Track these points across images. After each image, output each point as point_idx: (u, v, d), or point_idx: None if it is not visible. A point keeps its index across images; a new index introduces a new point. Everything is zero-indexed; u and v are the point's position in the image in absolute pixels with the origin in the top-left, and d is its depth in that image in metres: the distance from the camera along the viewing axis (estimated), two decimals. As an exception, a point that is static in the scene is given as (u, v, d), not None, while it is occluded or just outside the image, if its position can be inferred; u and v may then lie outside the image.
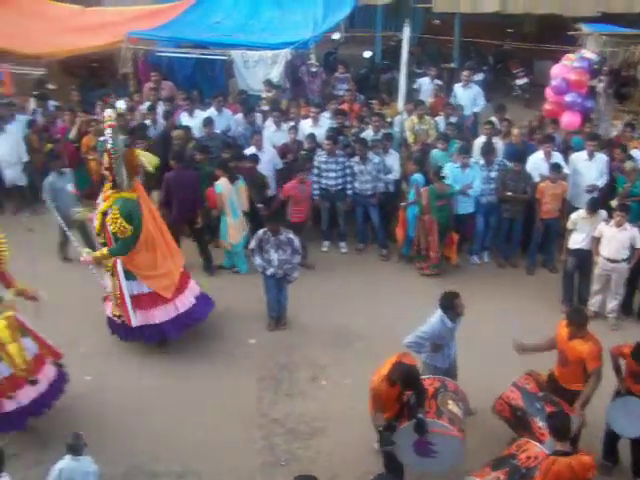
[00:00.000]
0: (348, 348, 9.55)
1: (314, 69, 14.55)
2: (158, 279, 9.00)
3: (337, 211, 11.78)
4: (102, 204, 8.82)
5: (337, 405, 8.49)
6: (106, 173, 8.71)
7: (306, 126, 12.38)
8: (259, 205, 11.14)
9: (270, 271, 9.57)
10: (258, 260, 9.59)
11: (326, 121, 12.48)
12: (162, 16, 16.11)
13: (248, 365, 9.25)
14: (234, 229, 11.03)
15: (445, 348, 7.65)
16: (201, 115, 12.87)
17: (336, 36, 16.90)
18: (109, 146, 8.43)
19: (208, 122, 12.23)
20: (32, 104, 14.43)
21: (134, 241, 8.69)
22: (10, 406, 7.55)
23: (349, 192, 11.56)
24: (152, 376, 8.99)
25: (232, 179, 10.83)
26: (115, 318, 9.13)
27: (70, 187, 11.24)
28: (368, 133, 12.05)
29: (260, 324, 10.02)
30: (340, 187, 11.50)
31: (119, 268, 8.79)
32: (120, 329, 9.20)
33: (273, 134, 12.34)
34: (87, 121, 13.02)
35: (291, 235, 9.55)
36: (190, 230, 11.34)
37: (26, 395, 7.60)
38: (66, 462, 6.50)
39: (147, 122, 12.80)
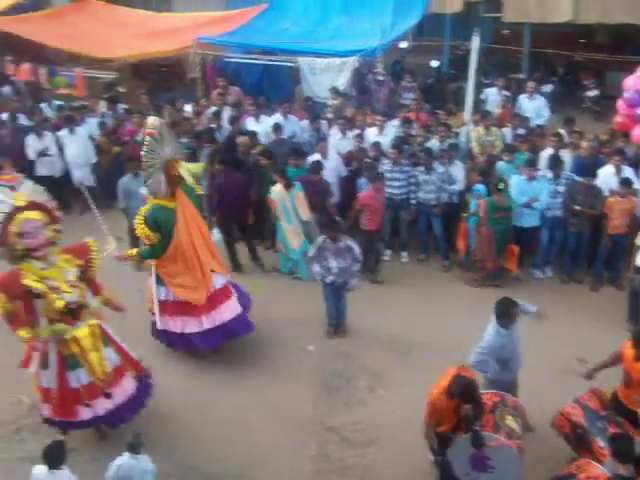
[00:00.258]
0: (407, 358, 9.48)
1: (381, 77, 14.49)
2: (185, 290, 8.88)
3: (400, 220, 11.72)
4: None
5: (394, 415, 8.42)
6: None
7: (371, 134, 12.36)
8: (337, 218, 10.98)
9: (329, 279, 9.56)
10: (316, 267, 9.59)
11: (392, 130, 12.43)
12: (231, 22, 16.33)
13: (306, 372, 9.26)
14: (291, 234, 11.09)
15: (510, 361, 7.53)
16: (267, 120, 12.99)
17: (404, 44, 16.85)
18: (142, 153, 8.38)
19: (277, 128, 12.35)
20: (102, 107, 14.78)
21: (162, 248, 8.66)
22: (86, 414, 7.59)
23: (413, 202, 11.49)
24: (209, 378, 9.09)
25: (288, 186, 10.87)
26: (152, 316, 9.22)
27: (144, 189, 11.30)
28: (433, 143, 11.96)
29: (319, 331, 10.03)
30: (404, 196, 11.44)
31: (152, 270, 8.95)
32: (152, 327, 9.33)
33: (338, 142, 12.36)
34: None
35: (350, 242, 9.48)
36: (239, 230, 11.62)
37: (102, 405, 7.57)
38: (125, 459, 6.61)
39: (213, 126, 12.96)
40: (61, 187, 13.49)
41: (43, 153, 13.34)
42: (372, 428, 8.27)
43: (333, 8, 16.36)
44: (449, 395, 6.55)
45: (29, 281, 7.01)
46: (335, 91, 13.81)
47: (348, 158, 12.05)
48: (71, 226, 10.18)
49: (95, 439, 8.12)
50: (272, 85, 15.55)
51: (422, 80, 15.92)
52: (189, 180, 8.59)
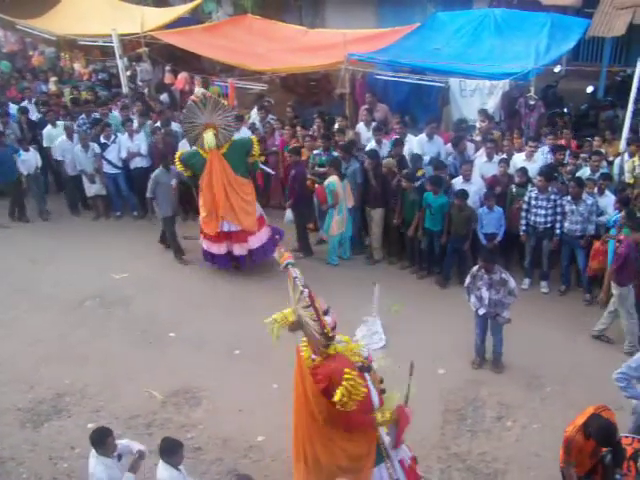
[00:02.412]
0: (539, 392, 9.18)
1: (532, 102, 14.12)
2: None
3: (542, 249, 11.35)
4: None
5: (521, 449, 8.18)
6: None
7: (518, 160, 12.04)
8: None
9: (481, 311, 9.36)
10: (472, 298, 9.40)
11: (540, 156, 12.06)
12: (383, 40, 16.31)
13: (434, 395, 9.09)
14: (337, 222, 12.17)
15: None
16: (412, 140, 12.95)
17: (557, 69, 16.34)
18: (183, 114, 11.80)
19: (417, 159, 12.27)
20: (253, 116, 15.22)
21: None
22: None
23: (557, 231, 11.09)
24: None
25: (342, 177, 12.00)
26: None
27: (173, 182, 12.63)
28: (584, 171, 11.52)
29: (453, 355, 9.89)
30: (549, 225, 11.06)
31: None
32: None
33: (483, 165, 12.14)
34: (303, 136, 13.55)
35: (505, 275, 9.17)
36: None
37: None
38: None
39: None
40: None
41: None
42: (498, 460, 8.05)
43: (486, 30, 15.98)
44: (585, 435, 6.23)
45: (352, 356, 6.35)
46: (483, 113, 13.55)
47: (492, 183, 11.78)
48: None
49: (217, 439, 8.29)
50: (419, 105, 15.39)
51: (575, 106, 15.37)
52: (207, 144, 11.10)
